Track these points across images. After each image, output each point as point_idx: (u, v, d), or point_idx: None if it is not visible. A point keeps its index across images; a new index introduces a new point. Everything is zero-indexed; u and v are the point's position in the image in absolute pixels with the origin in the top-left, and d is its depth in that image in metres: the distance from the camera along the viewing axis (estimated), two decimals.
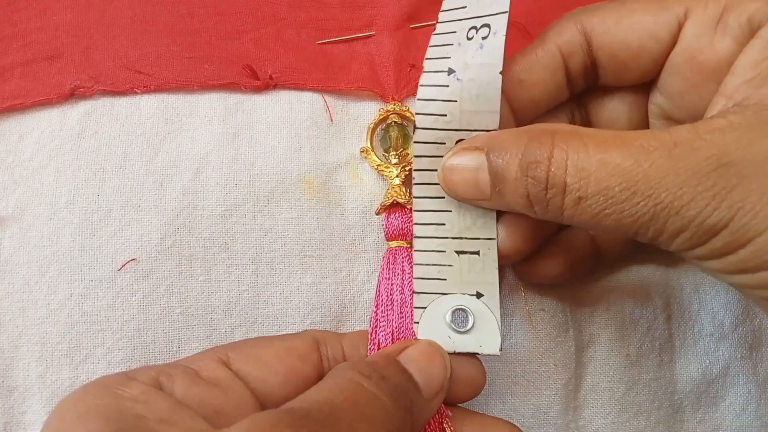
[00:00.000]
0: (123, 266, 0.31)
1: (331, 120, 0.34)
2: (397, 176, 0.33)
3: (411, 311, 0.30)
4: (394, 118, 0.34)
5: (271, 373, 0.26)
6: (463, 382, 0.29)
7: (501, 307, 0.32)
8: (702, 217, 0.23)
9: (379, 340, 0.30)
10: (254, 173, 0.33)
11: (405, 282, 0.31)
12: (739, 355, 0.35)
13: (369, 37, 0.35)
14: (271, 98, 0.34)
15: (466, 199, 0.29)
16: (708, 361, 0.35)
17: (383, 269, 0.32)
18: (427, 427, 0.28)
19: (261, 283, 0.32)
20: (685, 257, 0.25)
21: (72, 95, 0.33)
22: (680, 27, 0.28)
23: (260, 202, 0.33)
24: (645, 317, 0.34)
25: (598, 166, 0.24)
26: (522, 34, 0.35)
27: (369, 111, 0.34)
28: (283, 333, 0.32)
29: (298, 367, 0.27)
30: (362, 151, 0.34)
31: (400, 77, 0.34)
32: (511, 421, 0.32)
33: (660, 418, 0.34)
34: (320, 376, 0.26)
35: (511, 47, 0.35)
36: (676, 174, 0.23)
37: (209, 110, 0.33)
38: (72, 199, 0.32)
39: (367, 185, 0.34)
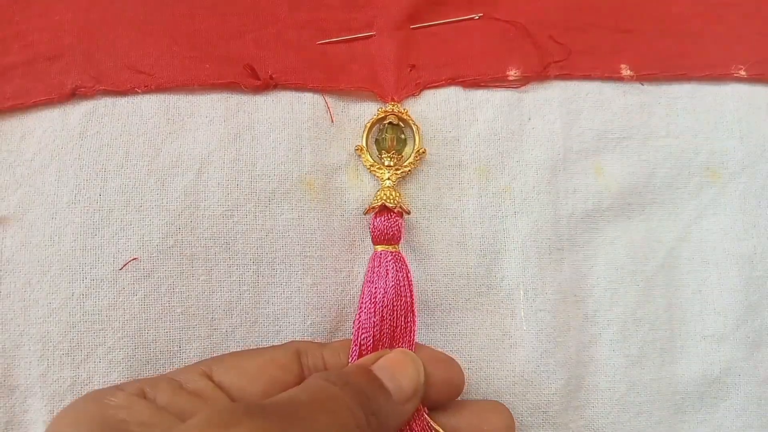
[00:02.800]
0: (124, 266, 0.31)
1: (332, 121, 0.34)
2: (389, 178, 0.33)
3: (394, 315, 0.31)
4: (391, 119, 0.34)
5: (251, 382, 0.27)
6: (442, 384, 0.30)
7: (501, 307, 0.32)
8: None
9: (360, 342, 0.30)
10: (255, 174, 0.33)
11: (388, 285, 0.31)
12: (740, 356, 0.35)
13: (369, 37, 0.35)
14: (272, 99, 0.34)
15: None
16: (709, 362, 0.35)
17: (368, 272, 0.32)
18: (407, 428, 0.29)
19: (262, 283, 0.32)
20: None
21: (73, 95, 0.33)
22: None
23: (261, 202, 0.33)
24: (647, 317, 0.34)
25: None
26: (522, 33, 0.35)
27: (369, 112, 0.34)
28: (283, 332, 0.32)
29: (278, 376, 0.28)
30: (356, 149, 0.34)
31: (401, 78, 0.34)
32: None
33: (661, 418, 0.34)
34: None
35: (510, 46, 0.35)
36: None
37: (211, 110, 0.33)
38: (74, 199, 0.32)
39: (368, 186, 0.34)
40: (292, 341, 0.31)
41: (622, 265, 0.35)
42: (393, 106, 0.34)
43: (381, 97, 0.34)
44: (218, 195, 0.32)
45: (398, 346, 0.30)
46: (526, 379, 0.33)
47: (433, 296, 0.33)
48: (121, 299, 0.31)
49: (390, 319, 0.31)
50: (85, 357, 0.31)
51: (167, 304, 0.32)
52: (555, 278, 0.34)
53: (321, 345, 0.30)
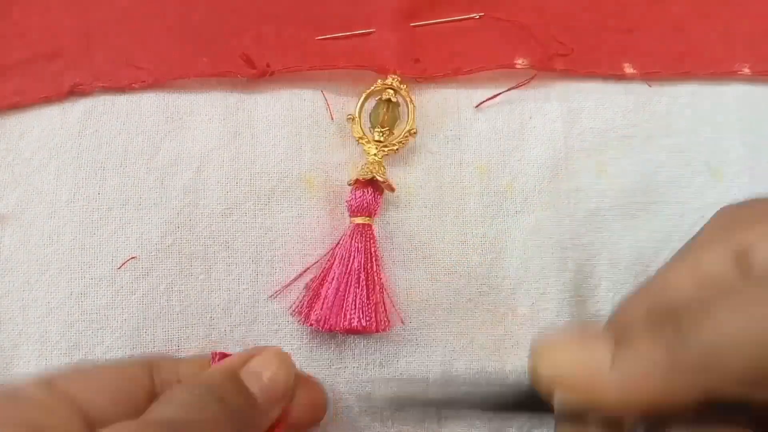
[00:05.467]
0: (123, 264, 0.31)
1: (332, 118, 0.34)
2: (375, 153, 0.33)
3: (346, 288, 0.31)
4: (389, 94, 0.33)
5: (97, 392, 0.25)
6: (305, 407, 0.29)
7: (502, 307, 0.32)
8: None
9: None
10: (255, 172, 0.33)
11: (351, 259, 0.31)
12: None
13: (369, 34, 0.35)
14: (271, 96, 0.34)
15: (569, 390, 0.23)
16: None
17: (337, 244, 0.32)
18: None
19: (261, 281, 0.32)
20: None
21: (71, 93, 0.33)
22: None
23: (261, 200, 0.32)
24: None
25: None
26: (523, 32, 0.35)
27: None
28: (282, 331, 0.32)
29: (127, 387, 0.26)
30: (348, 118, 0.33)
31: (405, 59, 0.34)
32: (511, 420, 0.32)
33: None
34: (151, 399, 0.26)
35: (514, 43, 0.35)
36: None
37: (210, 108, 0.33)
38: (72, 198, 0.32)
39: None
40: (145, 355, 0.30)
41: (626, 264, 0.34)
42: (393, 79, 0.33)
43: (380, 72, 0.34)
44: (217, 193, 0.32)
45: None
46: (528, 379, 0.33)
47: (435, 295, 0.33)
48: (119, 298, 0.31)
49: (342, 292, 0.31)
50: (84, 356, 0.31)
51: (166, 303, 0.31)
52: (557, 278, 0.34)
53: (176, 361, 0.29)
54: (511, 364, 0.33)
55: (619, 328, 0.23)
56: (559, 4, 0.36)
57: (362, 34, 0.35)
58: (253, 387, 0.26)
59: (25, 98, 0.32)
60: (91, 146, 0.32)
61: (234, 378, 0.27)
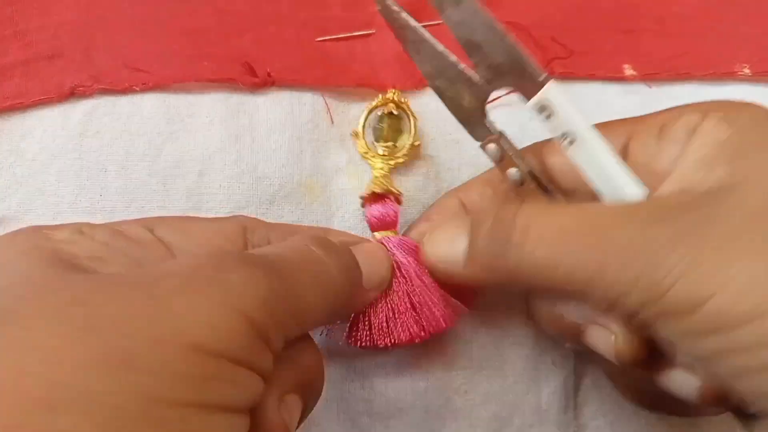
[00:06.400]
0: None
1: (332, 123, 0.34)
2: (381, 168, 0.33)
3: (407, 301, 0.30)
4: (391, 107, 0.33)
5: (194, 245, 0.26)
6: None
7: (500, 306, 0.32)
8: (653, 266, 0.22)
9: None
10: (257, 176, 0.33)
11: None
12: None
13: (369, 35, 0.35)
14: (271, 100, 0.34)
15: (443, 269, 0.29)
16: None
17: None
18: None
19: None
20: (646, 322, 0.24)
21: (72, 94, 0.32)
22: (625, 147, 0.28)
23: (263, 204, 0.32)
24: None
25: (554, 220, 0.25)
26: (524, 35, 0.35)
27: None
28: None
29: (223, 246, 0.26)
30: (353, 134, 0.33)
31: (403, 71, 0.34)
32: (511, 419, 0.33)
33: (661, 416, 0.34)
34: None
35: None
36: (625, 224, 0.24)
37: (210, 111, 0.33)
38: (75, 199, 0.32)
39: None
40: (238, 215, 0.31)
41: None
42: (393, 93, 0.33)
43: (380, 91, 0.34)
44: (220, 197, 0.32)
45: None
46: (526, 378, 0.33)
47: None
48: None
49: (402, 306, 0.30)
50: None
51: None
52: None
53: (268, 225, 0.29)
54: (511, 363, 0.33)
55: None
56: (559, 6, 0.36)
57: (362, 35, 0.35)
58: (360, 261, 0.28)
59: (26, 99, 0.32)
60: (92, 148, 0.32)
61: (346, 245, 0.28)
